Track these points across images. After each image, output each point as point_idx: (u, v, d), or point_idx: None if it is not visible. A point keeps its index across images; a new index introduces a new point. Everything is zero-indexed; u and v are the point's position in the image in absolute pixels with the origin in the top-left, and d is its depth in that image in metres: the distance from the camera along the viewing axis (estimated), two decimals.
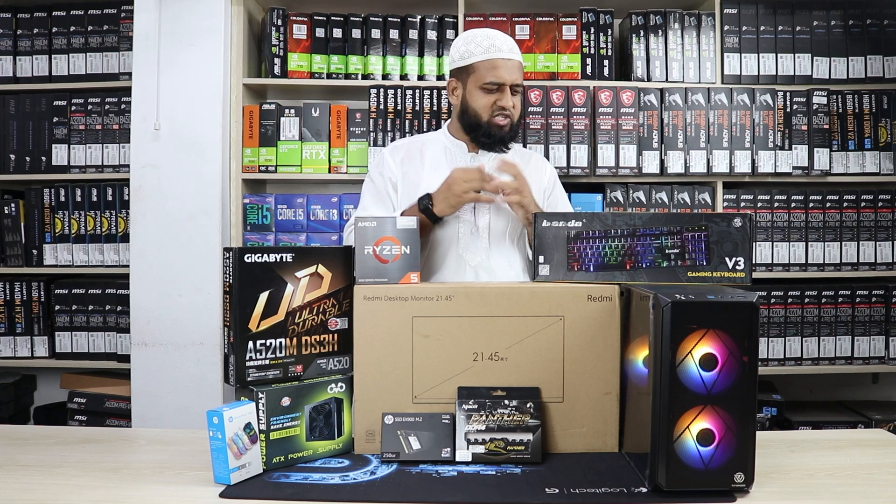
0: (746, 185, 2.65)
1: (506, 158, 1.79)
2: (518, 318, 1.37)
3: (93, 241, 2.60)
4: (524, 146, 2.44)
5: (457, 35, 2.56)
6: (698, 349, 1.14)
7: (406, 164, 1.85)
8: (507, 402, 1.32)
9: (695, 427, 1.14)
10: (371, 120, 2.52)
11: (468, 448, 1.31)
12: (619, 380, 1.37)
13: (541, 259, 1.42)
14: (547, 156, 2.46)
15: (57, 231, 2.61)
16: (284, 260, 1.34)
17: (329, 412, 1.36)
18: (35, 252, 2.61)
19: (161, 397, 2.39)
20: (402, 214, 1.74)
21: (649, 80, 2.56)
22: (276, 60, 2.57)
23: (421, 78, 2.60)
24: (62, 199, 2.60)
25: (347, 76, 2.60)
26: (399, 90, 2.52)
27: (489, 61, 1.77)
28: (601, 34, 2.56)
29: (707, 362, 1.14)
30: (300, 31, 2.58)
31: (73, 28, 2.62)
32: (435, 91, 2.52)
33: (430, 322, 1.37)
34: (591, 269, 1.40)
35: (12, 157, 2.62)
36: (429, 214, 1.72)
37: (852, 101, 2.55)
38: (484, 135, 1.80)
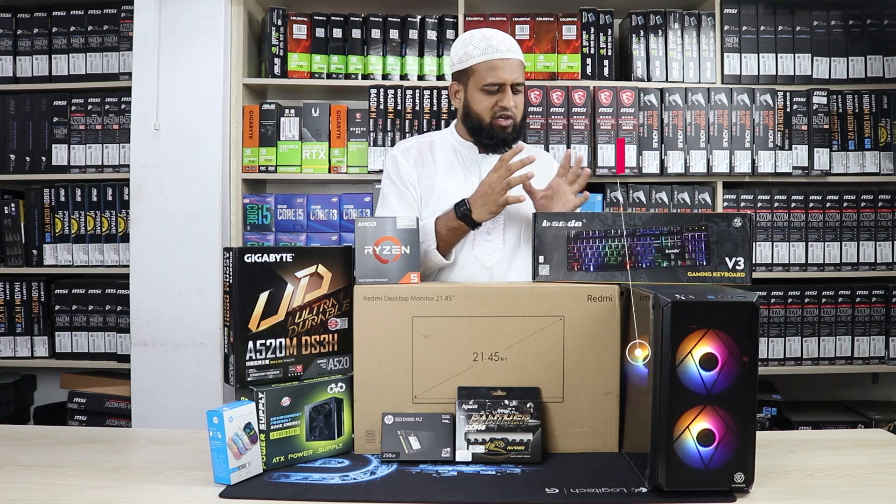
0: (746, 185, 2.65)
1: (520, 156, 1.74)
2: (518, 318, 1.37)
3: (93, 241, 2.60)
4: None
5: (457, 35, 2.56)
6: (698, 349, 1.14)
7: (419, 165, 1.84)
8: (507, 402, 1.32)
9: (695, 427, 1.14)
10: (371, 120, 2.52)
11: (468, 448, 1.31)
12: (619, 380, 1.37)
13: (541, 259, 1.42)
14: None
15: (57, 231, 2.61)
16: (284, 260, 1.34)
17: (329, 412, 1.36)
18: (35, 252, 2.61)
19: (161, 397, 2.39)
20: (437, 221, 1.74)
21: (649, 80, 2.56)
22: (276, 60, 2.57)
23: (421, 78, 2.60)
24: (62, 199, 2.60)
25: (347, 76, 2.60)
26: (399, 90, 2.52)
27: (488, 62, 1.75)
28: (601, 34, 2.56)
29: (707, 362, 1.14)
30: (300, 31, 2.58)
31: (73, 28, 2.62)
32: (435, 91, 2.52)
33: (430, 322, 1.37)
34: (591, 269, 1.40)
35: (12, 157, 2.62)
36: (467, 221, 1.70)
37: (852, 101, 2.55)
38: (487, 137, 1.79)
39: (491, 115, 1.77)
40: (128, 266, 2.47)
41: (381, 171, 2.47)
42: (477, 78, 1.77)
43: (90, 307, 2.59)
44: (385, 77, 2.59)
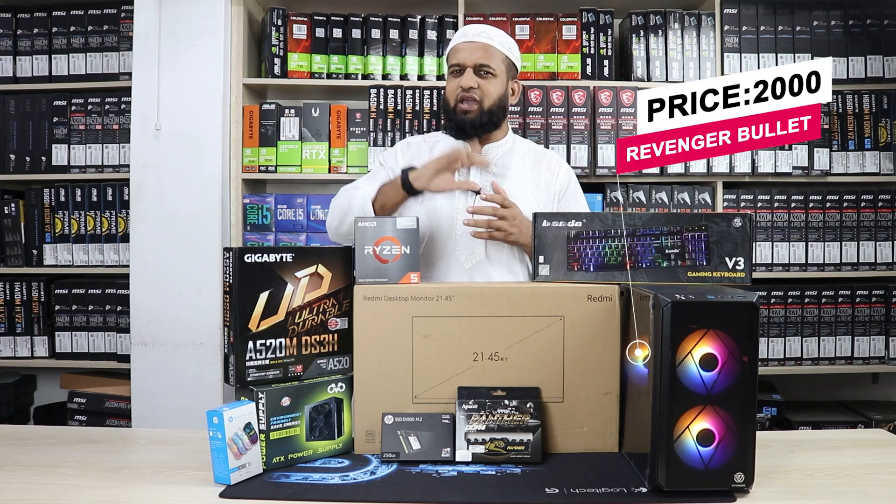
0: (746, 185, 2.65)
1: (496, 184, 1.73)
2: (518, 318, 1.37)
3: (93, 241, 2.60)
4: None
5: None
6: (698, 349, 1.14)
7: (414, 160, 1.85)
8: (507, 402, 1.32)
9: (695, 427, 1.14)
10: (371, 120, 2.52)
11: (468, 448, 1.31)
12: (619, 380, 1.37)
13: (541, 259, 1.42)
14: None
15: (57, 231, 2.60)
16: (284, 260, 1.34)
17: (329, 412, 1.36)
18: (35, 252, 2.61)
19: (161, 397, 2.39)
20: (382, 187, 1.75)
21: (649, 80, 2.56)
22: (276, 60, 2.57)
23: (421, 78, 2.60)
24: (62, 199, 2.60)
25: (347, 76, 2.60)
26: (399, 90, 2.51)
27: (454, 47, 1.82)
28: (601, 34, 2.56)
29: (707, 362, 1.14)
30: (300, 31, 2.58)
31: (73, 28, 2.62)
32: (435, 91, 2.52)
33: (430, 322, 1.37)
34: (591, 269, 1.40)
35: (12, 157, 2.62)
36: (405, 185, 1.70)
37: (852, 101, 2.55)
38: (448, 119, 1.82)
39: (455, 99, 1.79)
40: (128, 266, 2.47)
41: None
42: (448, 63, 1.84)
43: (90, 307, 2.59)
44: (385, 77, 2.59)
